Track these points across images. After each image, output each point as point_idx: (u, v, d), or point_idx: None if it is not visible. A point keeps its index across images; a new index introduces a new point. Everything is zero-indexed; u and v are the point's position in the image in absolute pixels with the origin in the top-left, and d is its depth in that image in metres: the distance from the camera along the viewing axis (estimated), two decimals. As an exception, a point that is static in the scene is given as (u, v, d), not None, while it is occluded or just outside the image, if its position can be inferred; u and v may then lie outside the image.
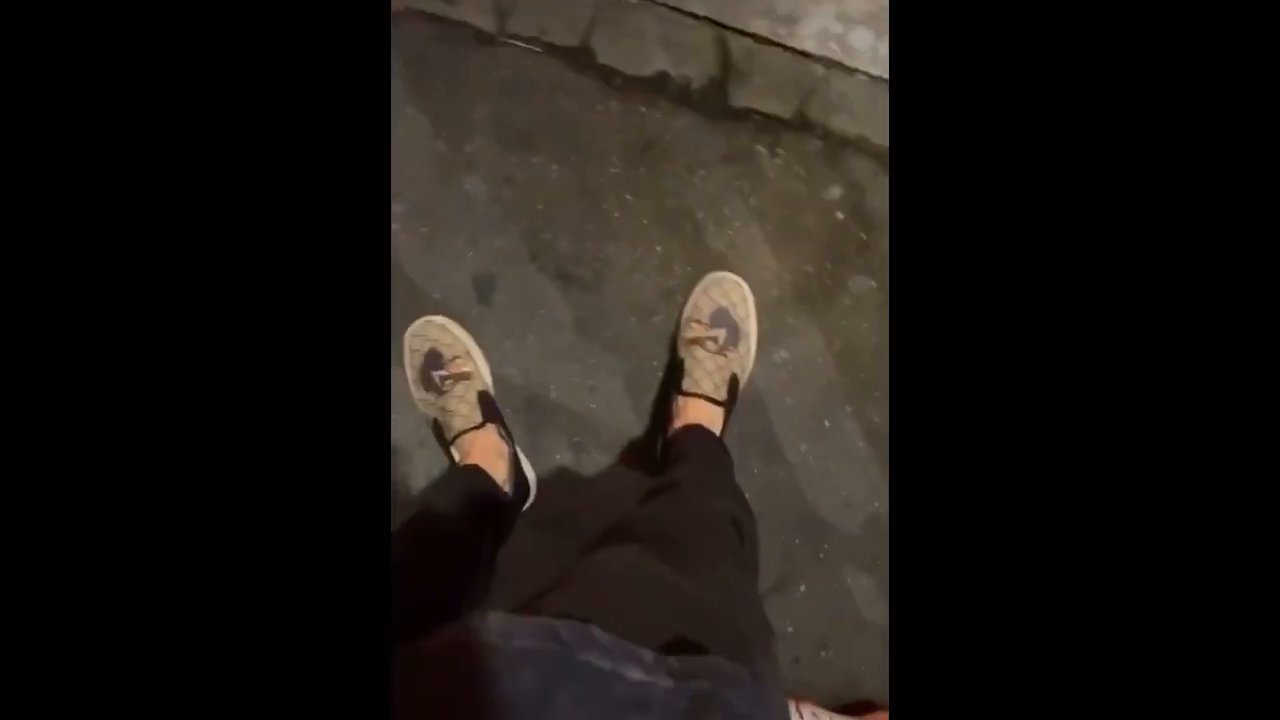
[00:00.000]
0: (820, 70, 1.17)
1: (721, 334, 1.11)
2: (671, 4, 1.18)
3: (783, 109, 1.17)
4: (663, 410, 1.15)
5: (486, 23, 1.18)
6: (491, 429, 1.09)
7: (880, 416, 1.16)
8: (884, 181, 1.16)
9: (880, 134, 1.16)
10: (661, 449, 1.10)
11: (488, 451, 1.07)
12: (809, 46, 1.17)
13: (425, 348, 1.12)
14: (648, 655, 0.44)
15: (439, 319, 1.13)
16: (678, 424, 1.08)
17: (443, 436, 1.11)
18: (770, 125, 1.17)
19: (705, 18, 1.18)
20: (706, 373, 1.10)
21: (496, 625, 0.45)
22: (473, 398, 1.10)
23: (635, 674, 0.43)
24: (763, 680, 0.50)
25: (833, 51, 1.17)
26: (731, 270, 1.15)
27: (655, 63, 1.18)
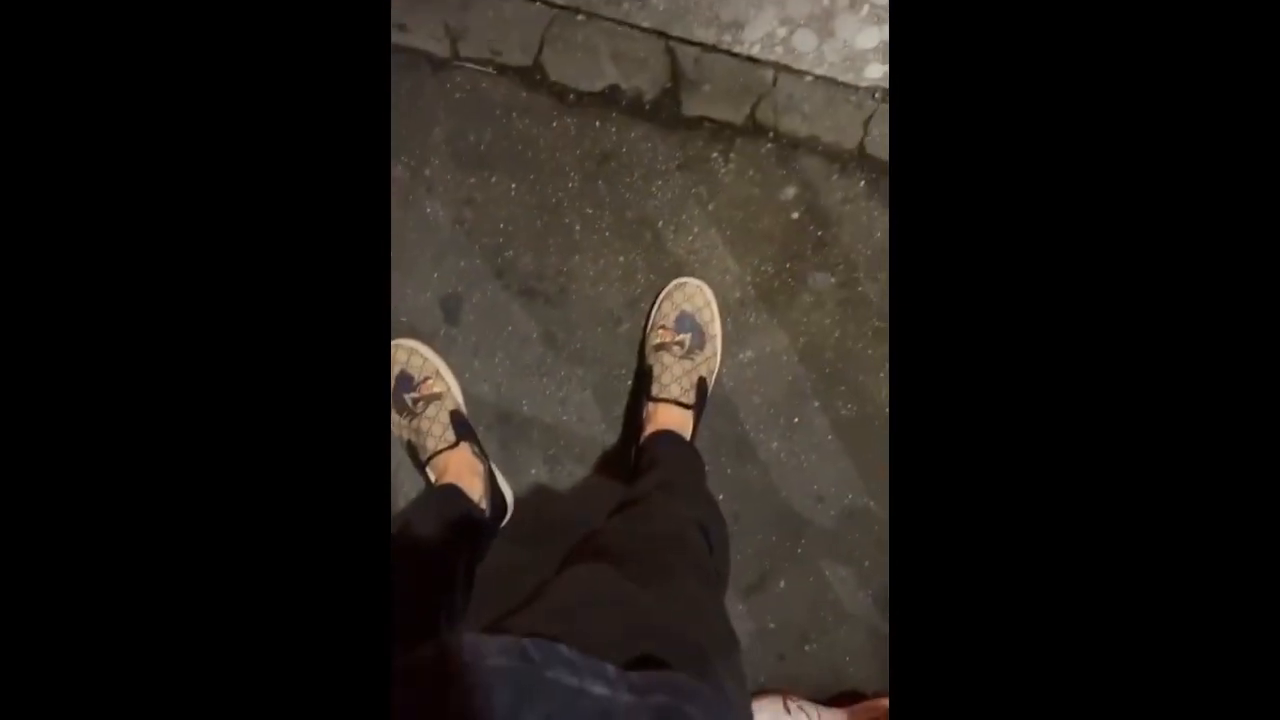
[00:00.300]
0: (768, 74, 1.19)
1: (687, 338, 1.13)
2: (619, 18, 1.20)
3: (734, 114, 1.19)
4: (634, 417, 1.17)
5: (439, 47, 1.20)
6: (465, 447, 1.11)
7: (847, 409, 1.18)
8: (836, 180, 1.18)
9: (830, 133, 1.19)
10: (634, 457, 1.11)
11: (463, 470, 1.09)
12: (755, 51, 1.19)
13: (395, 371, 1.13)
14: (612, 671, 0.46)
15: (408, 342, 1.15)
16: (649, 430, 1.10)
17: (417, 458, 1.12)
18: (723, 131, 1.19)
19: (653, 29, 1.20)
20: (674, 377, 1.12)
21: (468, 644, 0.46)
22: (445, 418, 1.11)
23: (600, 689, 0.44)
24: (723, 693, 0.52)
25: (779, 55, 1.19)
26: (693, 275, 1.17)
27: (607, 77, 1.20)
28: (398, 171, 1.19)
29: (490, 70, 1.20)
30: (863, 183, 1.18)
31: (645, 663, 0.49)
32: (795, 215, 1.18)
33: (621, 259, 1.19)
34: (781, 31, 1.18)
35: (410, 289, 1.18)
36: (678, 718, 0.44)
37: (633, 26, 1.20)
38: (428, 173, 1.19)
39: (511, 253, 1.19)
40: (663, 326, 1.14)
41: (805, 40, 1.18)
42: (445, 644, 0.46)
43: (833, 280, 1.18)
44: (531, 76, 1.20)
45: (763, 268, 1.18)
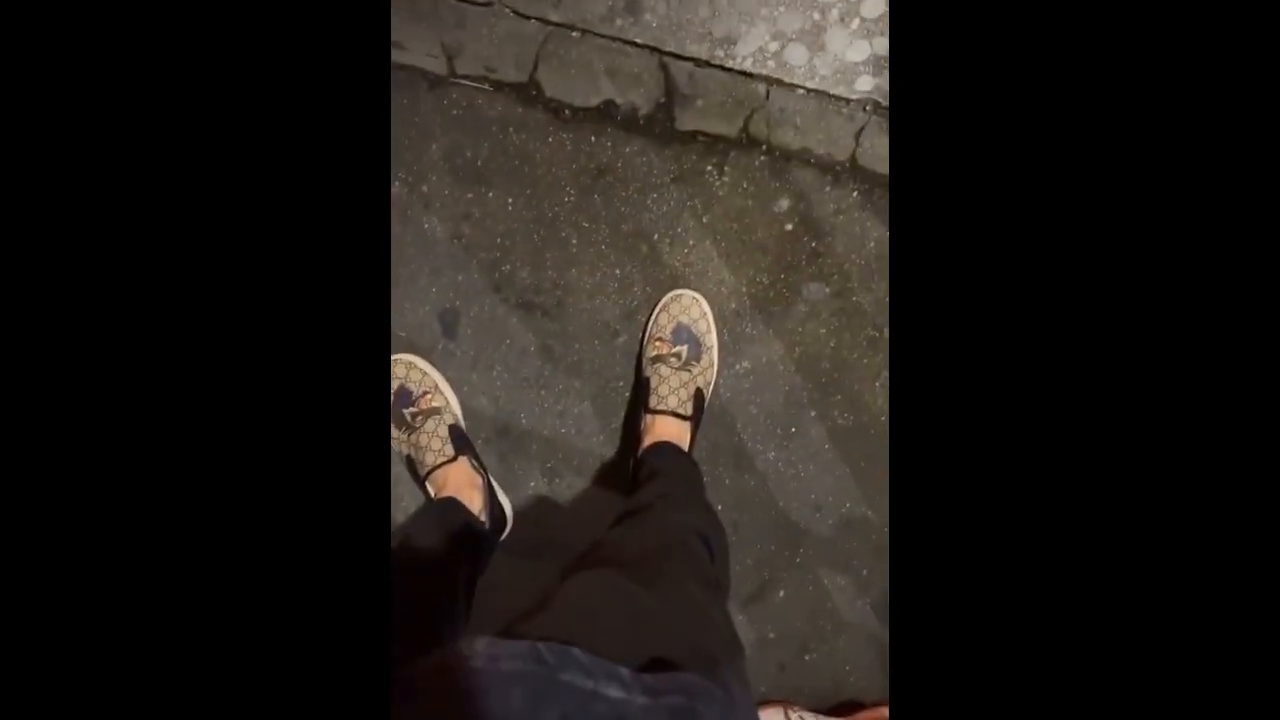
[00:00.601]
0: (760, 88, 1.21)
1: (683, 350, 1.14)
2: (613, 34, 1.21)
3: (727, 128, 1.21)
4: (632, 429, 1.18)
5: (436, 65, 1.21)
6: (464, 461, 1.11)
7: (844, 419, 1.19)
8: (829, 191, 1.20)
9: (822, 145, 1.20)
10: (633, 468, 1.12)
11: (462, 484, 1.09)
12: (747, 65, 1.21)
13: (394, 385, 1.13)
14: (625, 674, 0.46)
15: (406, 356, 1.15)
16: (647, 442, 1.11)
17: (416, 472, 1.13)
18: (716, 145, 1.21)
19: (646, 45, 1.21)
20: (672, 389, 1.12)
21: (483, 649, 0.47)
22: (444, 432, 1.11)
23: (614, 692, 0.45)
24: (732, 694, 0.52)
25: (770, 69, 1.21)
26: (689, 287, 1.18)
27: (601, 92, 1.21)
28: (396, 188, 1.20)
29: (486, 87, 1.21)
30: (855, 194, 1.20)
31: (656, 665, 0.50)
32: (789, 226, 1.20)
33: (618, 272, 1.20)
34: (773, 46, 1.20)
35: (408, 304, 1.19)
36: (692, 717, 0.45)
37: (627, 43, 1.21)
38: (425, 189, 1.20)
39: (509, 267, 1.20)
40: (659, 338, 1.15)
41: (797, 54, 1.20)
42: (459, 649, 0.47)
43: (827, 290, 1.19)
44: (527, 93, 1.21)
45: (758, 279, 1.20)
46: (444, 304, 1.19)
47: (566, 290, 1.20)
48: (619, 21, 1.20)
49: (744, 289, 1.20)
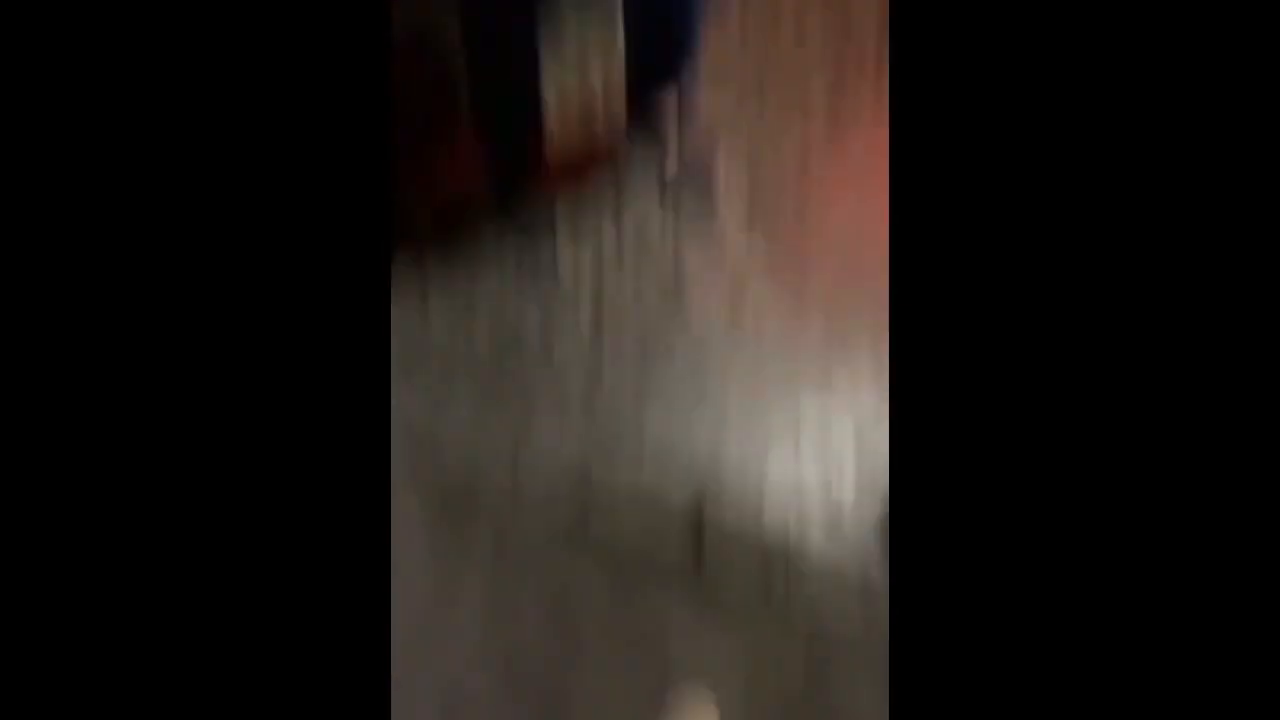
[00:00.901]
0: (783, 537, 1.35)
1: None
2: (652, 495, 1.40)
3: (751, 585, 1.31)
4: None
5: (495, 491, 1.40)
6: None
7: None
8: (843, 612, 1.24)
9: (837, 585, 1.28)
10: None
11: None
12: (772, 533, 1.36)
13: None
14: None
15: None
16: None
17: None
18: (741, 595, 1.30)
19: (682, 510, 1.40)
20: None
21: None
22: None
23: None
24: None
25: (792, 541, 1.36)
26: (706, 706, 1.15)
27: (637, 536, 1.36)
28: (431, 581, 1.30)
29: (537, 524, 1.38)
30: (866, 617, 1.23)
31: None
32: (805, 644, 1.21)
33: (635, 686, 1.20)
34: (796, 528, 1.37)
35: (419, 696, 1.19)
36: None
37: (664, 503, 1.40)
38: (459, 588, 1.29)
39: (526, 667, 1.21)
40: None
41: (814, 539, 1.36)
42: None
43: (845, 703, 1.14)
44: (570, 529, 1.38)
45: (772, 701, 1.16)
46: (456, 700, 1.19)
47: (582, 697, 1.18)
48: (658, 475, 1.42)
49: (763, 704, 1.15)
